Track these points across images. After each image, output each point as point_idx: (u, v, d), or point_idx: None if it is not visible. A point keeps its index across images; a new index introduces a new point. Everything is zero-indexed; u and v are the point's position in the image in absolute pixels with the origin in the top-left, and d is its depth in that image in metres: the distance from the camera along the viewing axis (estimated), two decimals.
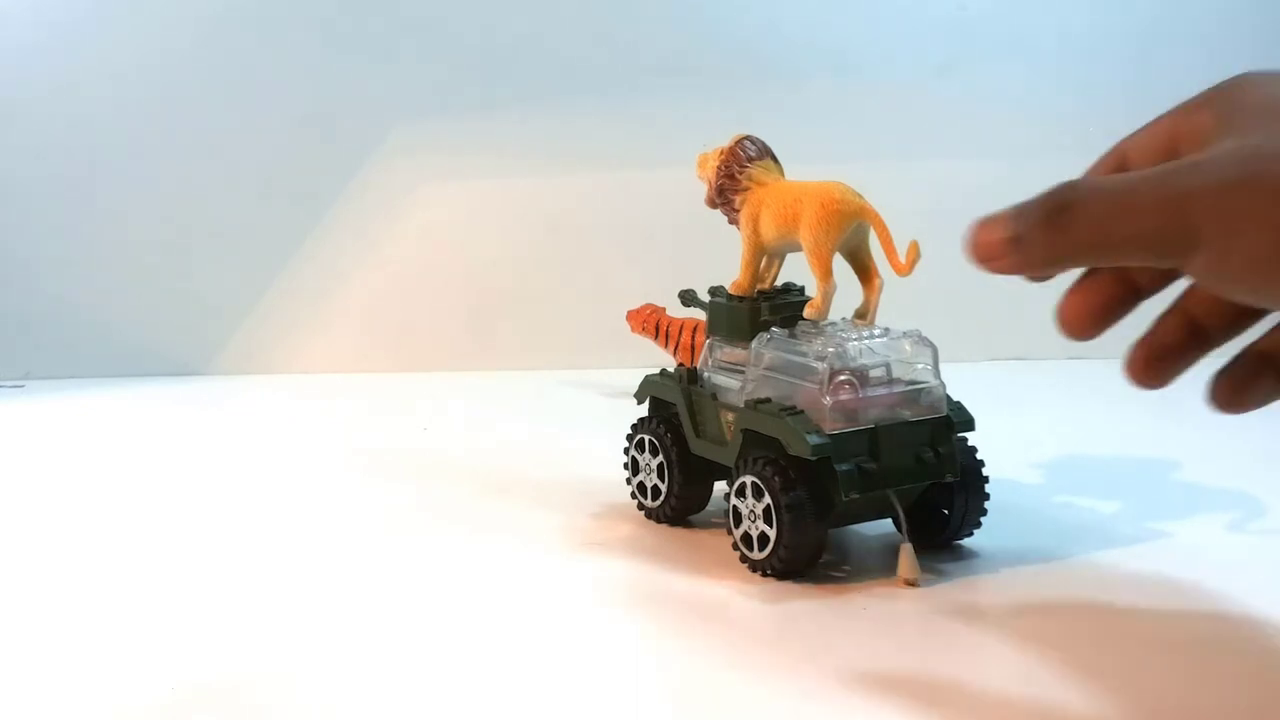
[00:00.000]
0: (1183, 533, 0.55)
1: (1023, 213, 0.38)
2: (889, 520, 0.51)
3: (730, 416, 0.54)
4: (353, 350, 1.03)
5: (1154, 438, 0.70)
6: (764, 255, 0.55)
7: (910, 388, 0.51)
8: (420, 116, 1.01)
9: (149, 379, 1.00)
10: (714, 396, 0.55)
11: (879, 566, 0.51)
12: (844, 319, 0.53)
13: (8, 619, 0.50)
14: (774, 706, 0.40)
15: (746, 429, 0.52)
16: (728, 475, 0.52)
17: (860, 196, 0.51)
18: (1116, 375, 0.39)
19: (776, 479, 0.49)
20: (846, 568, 0.52)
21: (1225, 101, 0.40)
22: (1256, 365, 0.40)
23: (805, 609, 0.47)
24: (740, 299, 0.55)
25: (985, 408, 0.51)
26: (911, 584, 0.49)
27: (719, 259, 0.59)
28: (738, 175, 0.55)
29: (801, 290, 0.56)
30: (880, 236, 0.51)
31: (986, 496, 0.53)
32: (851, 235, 0.52)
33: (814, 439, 0.48)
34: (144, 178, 1.02)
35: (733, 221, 0.56)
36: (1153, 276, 0.40)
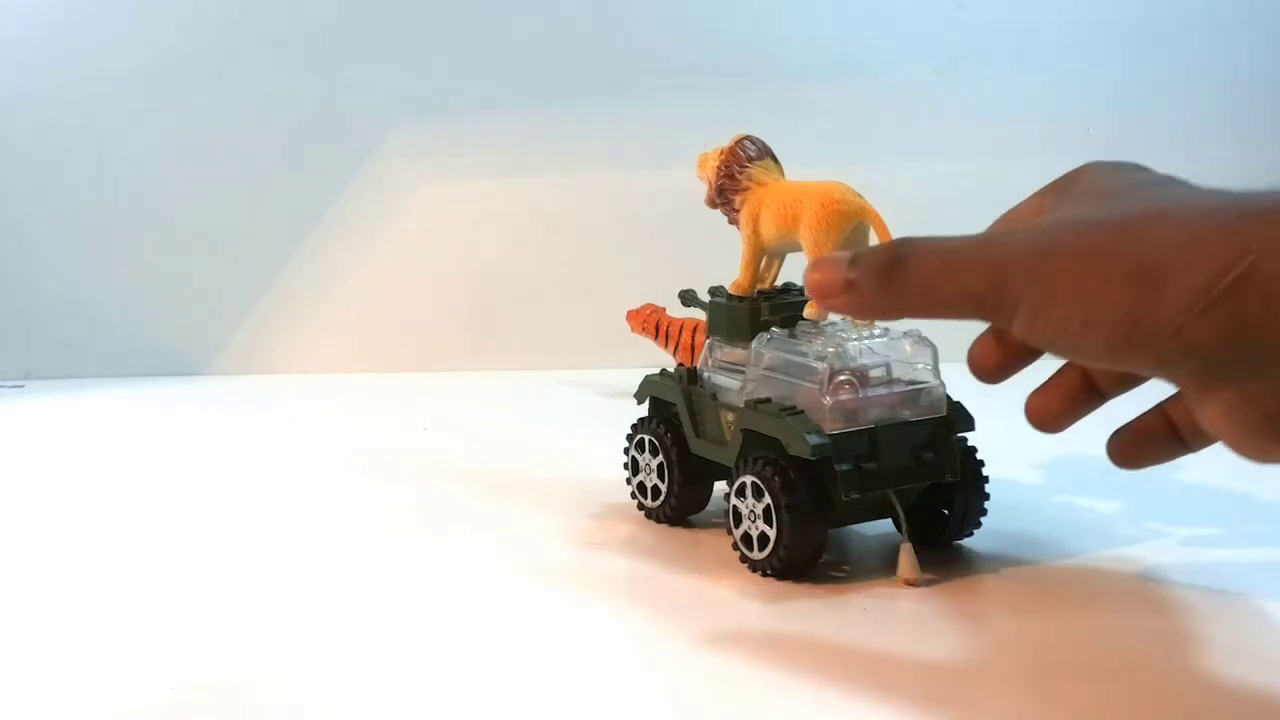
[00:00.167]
0: (1183, 532, 0.55)
1: (859, 260, 0.42)
2: (889, 520, 0.51)
3: (730, 416, 0.54)
4: (353, 350, 1.03)
5: None
6: (764, 255, 0.55)
7: (910, 388, 0.51)
8: (420, 116, 1.01)
9: (149, 379, 1.00)
10: (714, 396, 0.55)
11: (879, 566, 0.51)
12: (844, 319, 0.53)
13: (8, 619, 0.50)
14: (774, 706, 0.40)
15: (746, 429, 0.52)
16: (728, 475, 0.52)
17: (860, 196, 0.51)
18: None
19: (776, 479, 0.49)
20: (846, 568, 0.52)
21: (1066, 186, 0.43)
22: (1156, 426, 0.43)
23: (805, 609, 0.47)
24: (740, 299, 0.55)
25: (985, 408, 0.51)
26: (911, 584, 0.49)
27: (719, 259, 0.59)
28: (738, 175, 0.55)
29: (801, 290, 0.56)
30: (880, 236, 0.51)
31: (986, 496, 0.53)
32: (851, 235, 0.51)
33: (814, 439, 0.48)
34: (144, 177, 1.02)
35: (733, 221, 0.56)
36: (1112, 379, 0.44)
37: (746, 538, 0.51)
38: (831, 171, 0.53)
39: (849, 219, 0.51)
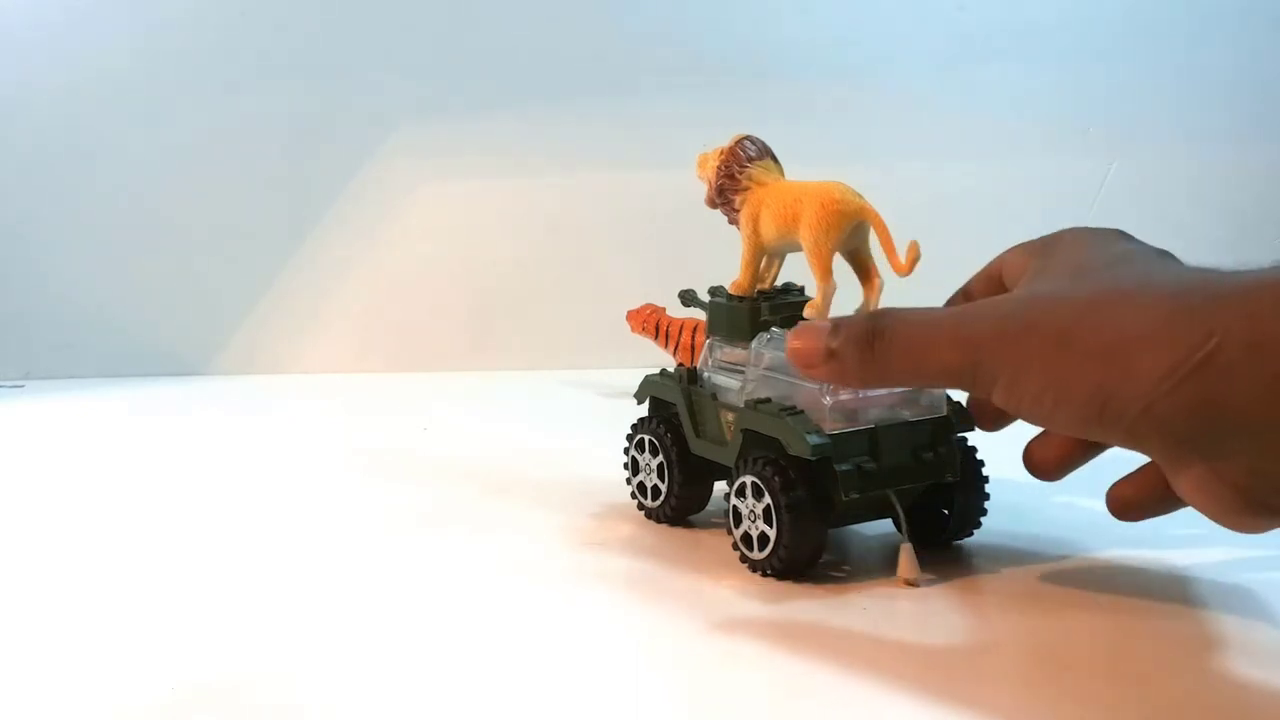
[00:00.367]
0: (1183, 531, 0.54)
1: (840, 330, 0.44)
2: (889, 520, 0.51)
3: (730, 416, 0.54)
4: (353, 350, 1.03)
5: None
6: (764, 255, 0.55)
7: (910, 388, 0.51)
8: (420, 116, 1.01)
9: (149, 379, 1.00)
10: (714, 396, 0.55)
11: (879, 566, 0.51)
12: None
13: (8, 619, 0.50)
14: (773, 706, 0.40)
15: (746, 429, 0.52)
16: (728, 475, 0.52)
17: (860, 196, 0.51)
18: None
19: (776, 479, 0.49)
20: (846, 568, 0.52)
21: (1045, 251, 0.45)
22: (1153, 481, 0.44)
23: (805, 609, 0.47)
24: (740, 299, 0.55)
25: None
26: (911, 584, 0.49)
27: (719, 259, 0.59)
28: (738, 175, 0.55)
29: (801, 290, 0.56)
30: (880, 236, 0.51)
31: (986, 496, 0.53)
32: (851, 235, 0.51)
33: (814, 439, 0.48)
34: (144, 177, 1.02)
35: (733, 221, 0.56)
36: None
37: (746, 538, 0.51)
38: (831, 171, 0.53)
39: (849, 219, 0.51)
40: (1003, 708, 0.39)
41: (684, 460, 0.56)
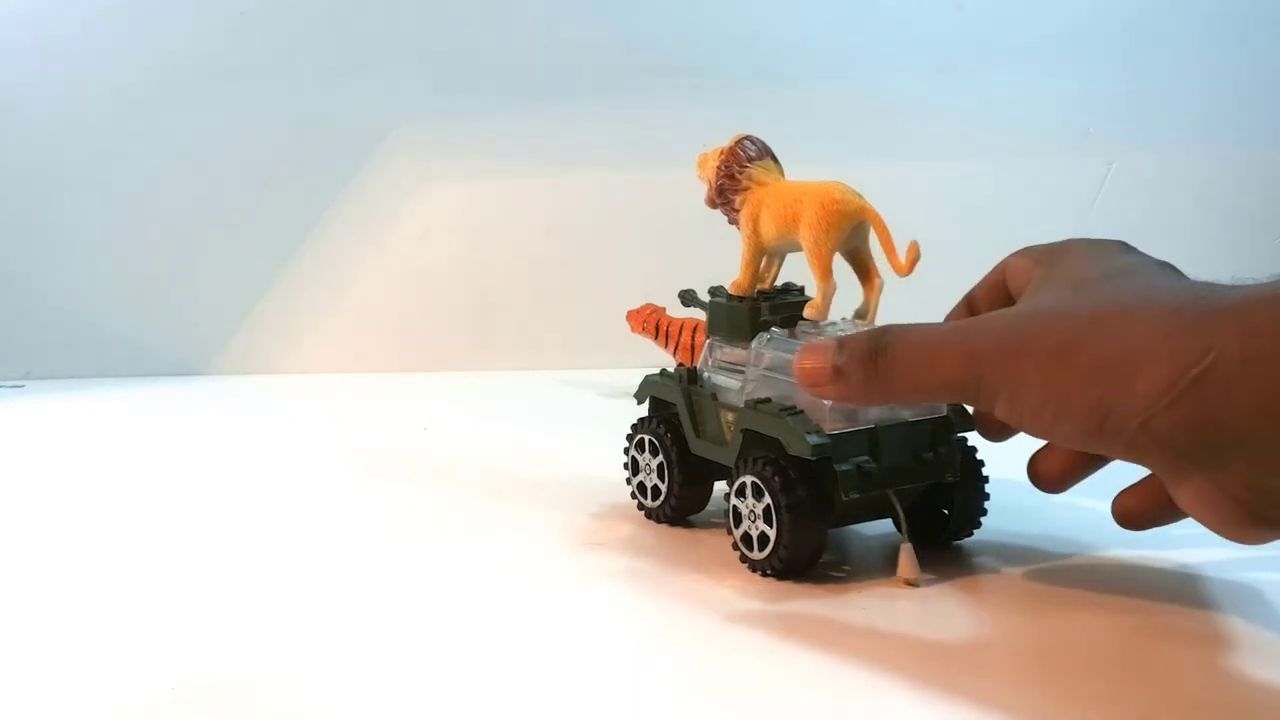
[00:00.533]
0: (1184, 531, 0.54)
1: (845, 348, 0.44)
2: (889, 520, 0.51)
3: (730, 416, 0.54)
4: (353, 350, 1.03)
5: None
6: (764, 255, 0.55)
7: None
8: (420, 116, 1.01)
9: (149, 379, 1.00)
10: (714, 396, 0.55)
11: (879, 566, 0.51)
12: (844, 319, 0.53)
13: (8, 619, 0.50)
14: (774, 706, 0.40)
15: (746, 429, 0.52)
16: (728, 475, 0.52)
17: (860, 196, 0.51)
18: None
19: (776, 479, 0.49)
20: (846, 568, 0.52)
21: (1049, 261, 0.46)
22: (1157, 491, 0.44)
23: (805, 609, 0.47)
24: (740, 299, 0.55)
25: None
26: (911, 584, 0.49)
27: (719, 259, 0.59)
28: (738, 175, 0.55)
29: (801, 290, 0.56)
30: (880, 236, 0.51)
31: (986, 496, 0.53)
32: (851, 235, 0.52)
33: (814, 439, 0.48)
34: (144, 177, 1.02)
35: (733, 221, 0.56)
36: None
37: (746, 538, 0.51)
38: (831, 171, 0.53)
39: (849, 219, 0.51)
40: (1003, 707, 0.39)
41: (684, 460, 0.56)
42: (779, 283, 0.56)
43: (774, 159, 0.56)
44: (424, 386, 0.96)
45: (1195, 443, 0.37)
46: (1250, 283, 0.38)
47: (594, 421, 0.80)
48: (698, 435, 0.56)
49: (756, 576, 0.50)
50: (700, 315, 0.61)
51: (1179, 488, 0.39)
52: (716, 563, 0.52)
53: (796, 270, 0.55)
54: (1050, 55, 0.99)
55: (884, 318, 0.52)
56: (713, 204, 0.56)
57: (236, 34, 1.01)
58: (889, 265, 0.51)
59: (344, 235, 1.02)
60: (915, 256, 0.50)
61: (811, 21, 0.99)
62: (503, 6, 1.00)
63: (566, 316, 1.01)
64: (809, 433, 0.48)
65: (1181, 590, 0.48)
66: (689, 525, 0.58)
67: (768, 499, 0.49)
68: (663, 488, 0.57)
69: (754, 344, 0.53)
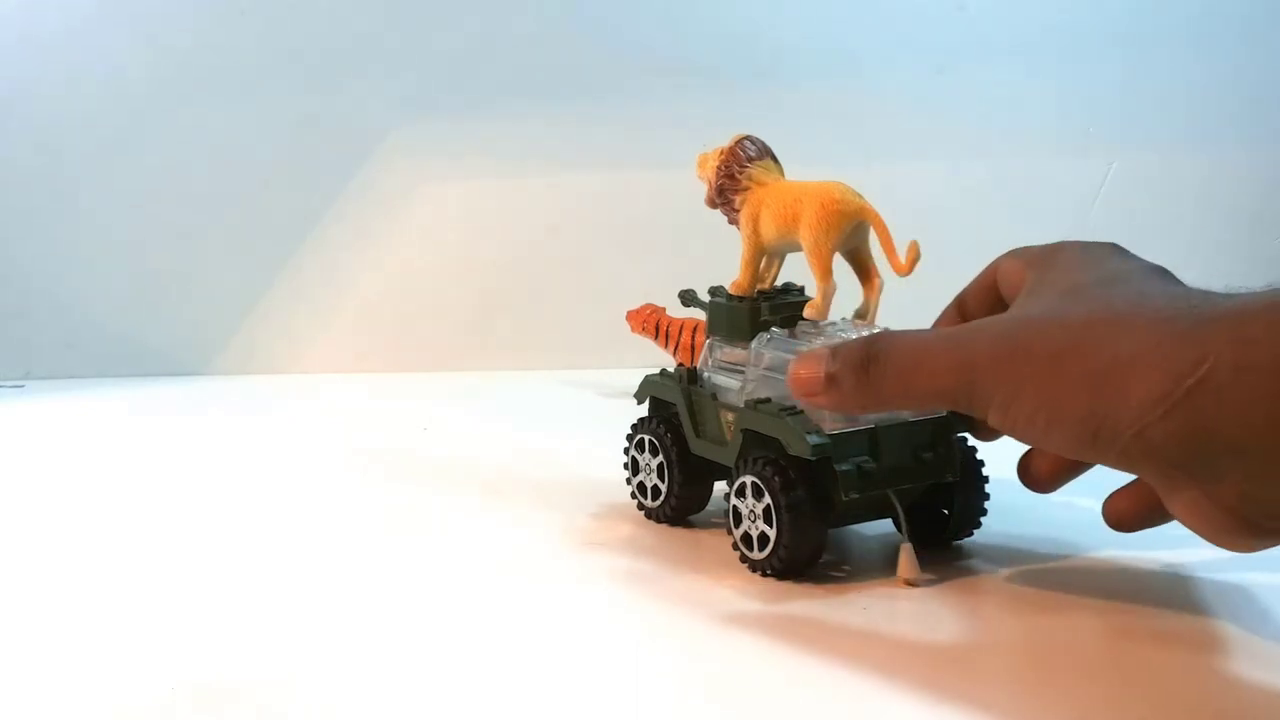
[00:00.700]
0: (1182, 531, 0.54)
1: (837, 355, 0.44)
2: (889, 520, 0.51)
3: (730, 416, 0.54)
4: (353, 350, 1.02)
5: None
6: (764, 255, 0.55)
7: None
8: (420, 116, 1.01)
9: (149, 379, 1.00)
10: (714, 396, 0.55)
11: (879, 566, 0.51)
12: (844, 319, 0.53)
13: (8, 619, 0.50)
14: (774, 706, 0.40)
15: (746, 429, 0.52)
16: (728, 475, 0.52)
17: (860, 196, 0.51)
18: None
19: (776, 479, 0.49)
20: (846, 568, 0.52)
21: (1042, 265, 0.45)
22: (1148, 493, 0.44)
23: (805, 609, 0.47)
24: (740, 299, 0.55)
25: None
26: (911, 584, 0.49)
27: (719, 259, 0.59)
28: (738, 175, 0.55)
29: (801, 290, 0.56)
30: (880, 236, 0.51)
31: (986, 496, 0.53)
32: (851, 235, 0.52)
33: (814, 439, 0.48)
34: (144, 177, 1.02)
35: (733, 221, 0.56)
36: None
37: (746, 538, 0.51)
38: (831, 171, 0.53)
39: (849, 219, 0.51)
40: (1002, 707, 0.39)
41: (684, 460, 0.56)
42: (779, 283, 0.56)
43: (774, 159, 0.56)
44: (424, 386, 0.96)
45: (1189, 453, 0.37)
46: (1244, 290, 0.38)
47: (594, 421, 0.80)
48: (698, 435, 0.56)
49: (756, 576, 0.50)
50: (700, 315, 0.61)
51: (1172, 497, 0.39)
52: (716, 563, 0.52)
53: (796, 270, 0.55)
54: (1051, 55, 0.99)
55: (884, 317, 0.52)
56: (713, 204, 0.56)
57: (237, 34, 1.01)
58: (889, 265, 0.51)
59: (344, 235, 1.02)
60: (915, 256, 0.50)
61: (811, 21, 0.99)
62: (503, 7, 1.00)
63: (566, 316, 1.01)
64: (809, 433, 0.48)
65: (1180, 591, 0.48)
66: (689, 525, 0.58)
67: (768, 499, 0.49)
68: (663, 488, 0.57)
69: (754, 344, 0.53)
